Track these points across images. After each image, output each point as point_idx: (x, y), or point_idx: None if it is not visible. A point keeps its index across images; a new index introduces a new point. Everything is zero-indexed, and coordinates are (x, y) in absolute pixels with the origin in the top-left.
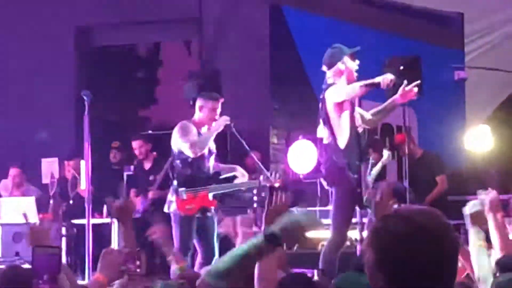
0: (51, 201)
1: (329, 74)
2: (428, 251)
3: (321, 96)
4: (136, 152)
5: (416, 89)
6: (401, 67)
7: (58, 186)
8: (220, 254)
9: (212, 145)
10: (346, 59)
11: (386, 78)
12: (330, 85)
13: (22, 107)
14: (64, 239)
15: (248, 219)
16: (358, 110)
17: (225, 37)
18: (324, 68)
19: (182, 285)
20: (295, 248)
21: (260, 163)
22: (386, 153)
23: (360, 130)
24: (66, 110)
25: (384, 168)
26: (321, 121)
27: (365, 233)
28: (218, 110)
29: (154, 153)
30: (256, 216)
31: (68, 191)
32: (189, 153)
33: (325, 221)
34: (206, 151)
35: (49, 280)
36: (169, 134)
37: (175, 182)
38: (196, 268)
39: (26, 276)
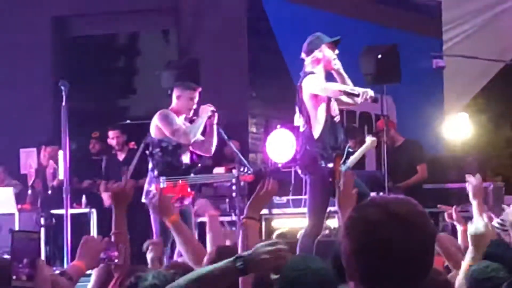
0: (29, 192)
1: (307, 61)
2: (404, 239)
3: (298, 84)
4: (113, 142)
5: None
6: (379, 56)
7: (37, 176)
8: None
9: None
10: (324, 47)
11: (366, 93)
12: (307, 73)
13: None
14: (42, 230)
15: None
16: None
17: (202, 26)
18: (302, 55)
19: (175, 274)
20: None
21: (238, 152)
22: (369, 139)
23: (336, 120)
24: (43, 100)
25: (363, 156)
26: (297, 109)
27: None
28: (196, 99)
29: (133, 143)
30: (234, 205)
31: (47, 181)
32: (181, 140)
33: (298, 209)
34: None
35: (29, 264)
36: (147, 123)
37: (154, 171)
38: (175, 257)
39: (5, 266)
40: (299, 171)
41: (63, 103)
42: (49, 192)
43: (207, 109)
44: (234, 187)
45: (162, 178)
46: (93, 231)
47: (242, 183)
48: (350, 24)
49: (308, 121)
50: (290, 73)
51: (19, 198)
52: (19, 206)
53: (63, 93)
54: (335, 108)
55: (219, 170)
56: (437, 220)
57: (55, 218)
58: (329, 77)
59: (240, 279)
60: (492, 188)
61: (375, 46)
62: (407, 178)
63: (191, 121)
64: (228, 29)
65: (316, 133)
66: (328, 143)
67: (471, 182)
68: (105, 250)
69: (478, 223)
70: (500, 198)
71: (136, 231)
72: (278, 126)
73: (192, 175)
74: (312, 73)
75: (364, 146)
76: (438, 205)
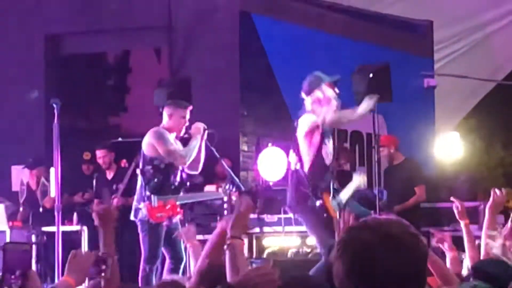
0: (21, 209)
1: (308, 101)
2: (396, 260)
3: (295, 123)
4: (100, 161)
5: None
6: (371, 75)
7: (28, 193)
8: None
9: None
10: (325, 87)
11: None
12: (305, 112)
13: None
14: (34, 247)
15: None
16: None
17: (194, 44)
18: (302, 94)
19: None
20: None
21: (230, 170)
22: (355, 177)
23: (327, 161)
24: (35, 118)
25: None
26: (292, 145)
27: None
28: (187, 117)
29: (124, 160)
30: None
31: (38, 198)
32: (176, 162)
33: (292, 228)
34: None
35: (21, 275)
36: (139, 141)
37: (145, 189)
38: (165, 275)
39: None
40: (288, 211)
41: (55, 121)
42: (41, 209)
43: (200, 129)
44: (225, 205)
45: (153, 197)
46: (84, 248)
47: (233, 201)
48: (341, 43)
49: (300, 159)
50: (282, 92)
51: (11, 215)
52: (10, 224)
53: (55, 111)
54: (328, 151)
55: (210, 188)
56: (429, 239)
57: (46, 236)
58: None
59: None
60: (483, 207)
61: (366, 65)
62: (404, 198)
63: (182, 139)
64: (220, 47)
65: (306, 169)
66: (317, 179)
67: (495, 197)
68: (93, 265)
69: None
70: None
71: (124, 249)
72: (270, 144)
73: (181, 193)
74: (310, 112)
75: (352, 184)
76: (431, 231)
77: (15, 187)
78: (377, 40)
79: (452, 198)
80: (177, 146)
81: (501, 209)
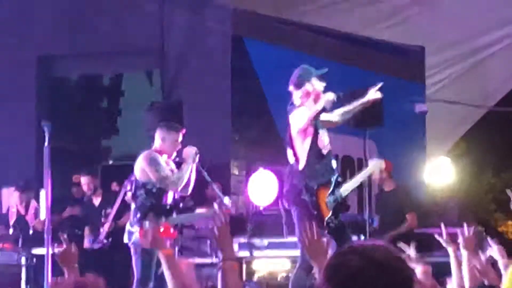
0: (11, 231)
1: (297, 95)
2: (384, 284)
3: (289, 119)
4: (85, 187)
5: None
6: None
7: (18, 215)
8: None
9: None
10: (314, 80)
11: (327, 101)
12: (295, 107)
13: None
14: (23, 269)
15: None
16: (324, 116)
17: (187, 68)
18: (291, 88)
19: None
20: None
21: (221, 194)
22: (372, 163)
23: (324, 152)
24: (26, 139)
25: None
26: (286, 143)
27: None
28: (180, 140)
29: (115, 183)
30: (216, 247)
31: (28, 221)
32: (168, 188)
33: (282, 252)
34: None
35: None
36: (130, 164)
37: (138, 213)
38: None
39: None
40: (286, 204)
41: (46, 144)
42: (31, 231)
43: (192, 153)
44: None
45: (145, 222)
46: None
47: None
48: (333, 68)
49: (295, 155)
50: (273, 116)
51: (0, 237)
52: (0, 245)
53: (46, 134)
54: (323, 139)
55: (200, 211)
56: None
57: (36, 258)
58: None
59: None
60: (473, 232)
61: (358, 90)
62: (395, 224)
63: (176, 164)
64: (212, 71)
65: (301, 166)
66: (312, 175)
67: (463, 233)
68: None
69: None
70: (482, 242)
71: (115, 271)
72: (261, 168)
73: (174, 215)
74: (299, 106)
75: (365, 170)
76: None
77: (5, 209)
78: (368, 65)
79: (442, 225)
80: (169, 167)
81: (474, 246)
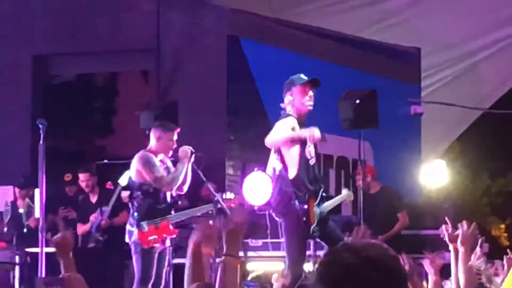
0: (5, 229)
1: (285, 100)
2: (376, 281)
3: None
4: (83, 184)
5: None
6: (357, 101)
7: (13, 214)
8: (174, 284)
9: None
10: (295, 90)
11: (311, 136)
12: (282, 116)
13: None
14: (17, 268)
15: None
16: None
17: (182, 67)
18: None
19: None
20: None
21: (216, 194)
22: (344, 192)
23: (311, 162)
24: (21, 137)
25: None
26: (272, 150)
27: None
28: (175, 139)
29: (109, 182)
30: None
31: (22, 219)
32: (163, 188)
33: (276, 253)
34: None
35: None
36: (124, 164)
37: (136, 214)
38: None
39: None
40: (273, 214)
41: (41, 142)
42: (25, 230)
43: (187, 152)
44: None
45: (143, 223)
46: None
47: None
48: (329, 69)
49: (283, 162)
50: (268, 117)
51: None
52: None
53: (41, 132)
54: (310, 150)
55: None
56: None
57: (30, 257)
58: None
59: None
60: (472, 229)
61: (353, 91)
62: (383, 226)
63: (172, 163)
64: (208, 71)
65: (291, 174)
66: (303, 184)
67: (462, 228)
68: (51, 285)
69: None
70: (476, 244)
71: (108, 270)
72: (256, 168)
73: (173, 212)
74: (285, 115)
75: (339, 197)
76: (424, 252)
77: (0, 207)
78: (364, 66)
79: (444, 224)
80: (165, 166)
81: (472, 242)
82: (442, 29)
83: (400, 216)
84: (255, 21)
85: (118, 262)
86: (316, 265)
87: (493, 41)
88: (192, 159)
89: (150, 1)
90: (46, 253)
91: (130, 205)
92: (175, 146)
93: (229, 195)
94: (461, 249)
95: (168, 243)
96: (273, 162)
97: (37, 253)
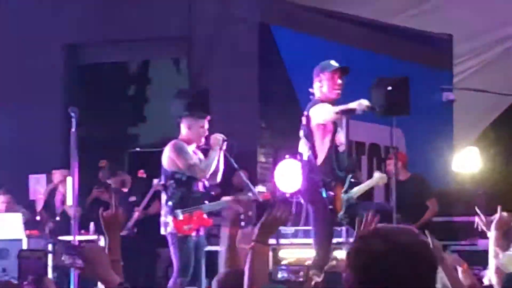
0: (38, 218)
1: (316, 86)
2: (406, 268)
3: (305, 113)
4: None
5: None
6: (389, 88)
7: (46, 202)
8: (207, 272)
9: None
10: (323, 76)
11: (361, 104)
12: (315, 101)
13: (10, 123)
14: (50, 256)
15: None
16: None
17: (214, 55)
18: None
19: None
20: None
21: (248, 181)
22: (377, 175)
23: (341, 149)
24: (53, 126)
25: (372, 188)
26: (303, 136)
27: None
28: (206, 127)
29: (141, 171)
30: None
31: (55, 208)
32: (196, 175)
33: (308, 240)
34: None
35: (34, 281)
36: (157, 152)
37: (170, 203)
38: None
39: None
40: (302, 200)
41: (73, 129)
42: (57, 218)
43: (218, 140)
44: (242, 216)
45: (177, 211)
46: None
47: (250, 213)
48: (361, 56)
49: (313, 148)
50: (300, 104)
51: (28, 224)
52: (27, 232)
53: (73, 120)
54: (339, 136)
55: (226, 198)
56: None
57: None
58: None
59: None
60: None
61: (385, 78)
62: (412, 214)
63: (201, 149)
64: (239, 59)
65: (320, 161)
66: (331, 171)
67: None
68: (71, 255)
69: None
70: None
71: (142, 259)
72: (287, 156)
73: (206, 202)
74: (318, 101)
75: (371, 180)
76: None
77: (32, 195)
78: (395, 53)
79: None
80: (197, 157)
81: (506, 228)
82: (474, 16)
83: (429, 204)
84: (286, 9)
85: (150, 251)
86: (347, 252)
87: None
88: (224, 147)
89: None
90: (79, 242)
91: (163, 193)
92: (206, 133)
93: (261, 188)
94: (493, 233)
95: (202, 232)
96: (302, 148)
97: (69, 241)
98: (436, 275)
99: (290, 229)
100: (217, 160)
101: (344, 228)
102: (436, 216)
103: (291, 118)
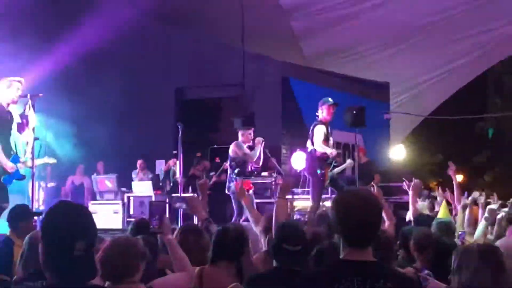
0: (160, 184)
1: (319, 111)
2: (365, 211)
3: (311, 127)
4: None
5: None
6: (354, 111)
7: (164, 176)
8: None
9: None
10: (323, 107)
11: (334, 155)
12: (317, 122)
13: (147, 132)
14: (167, 206)
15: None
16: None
17: (256, 95)
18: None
19: None
20: None
21: (277, 164)
22: (348, 161)
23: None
24: (168, 134)
25: (345, 169)
26: (308, 139)
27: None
28: (252, 135)
29: (217, 158)
30: (273, 194)
31: (170, 178)
32: (248, 160)
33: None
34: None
35: (158, 219)
36: (225, 147)
37: (232, 175)
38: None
39: (146, 223)
40: (307, 174)
41: (179, 135)
42: (171, 184)
43: (260, 140)
44: (273, 183)
45: (238, 178)
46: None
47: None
48: (342, 95)
49: (314, 146)
50: (305, 123)
51: (154, 186)
52: (155, 192)
53: (179, 130)
54: (331, 143)
55: (264, 173)
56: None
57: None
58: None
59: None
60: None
61: (352, 106)
62: (367, 182)
63: (249, 147)
64: (270, 97)
65: (317, 153)
66: (324, 160)
67: (414, 183)
68: (180, 202)
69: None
70: (420, 191)
71: (218, 208)
72: (298, 150)
73: (252, 177)
74: (320, 121)
75: (344, 165)
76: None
77: (157, 171)
78: (358, 92)
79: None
80: (248, 150)
81: (418, 190)
82: (402, 70)
83: (375, 176)
84: (300, 68)
85: (222, 200)
86: (331, 202)
87: (434, 75)
88: (263, 145)
89: (239, 57)
90: (183, 196)
91: (229, 169)
92: (252, 137)
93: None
94: (411, 193)
95: (251, 191)
96: (308, 145)
97: (178, 195)
98: (382, 215)
99: (299, 190)
100: (259, 152)
101: (329, 190)
102: (380, 183)
103: (299, 130)
